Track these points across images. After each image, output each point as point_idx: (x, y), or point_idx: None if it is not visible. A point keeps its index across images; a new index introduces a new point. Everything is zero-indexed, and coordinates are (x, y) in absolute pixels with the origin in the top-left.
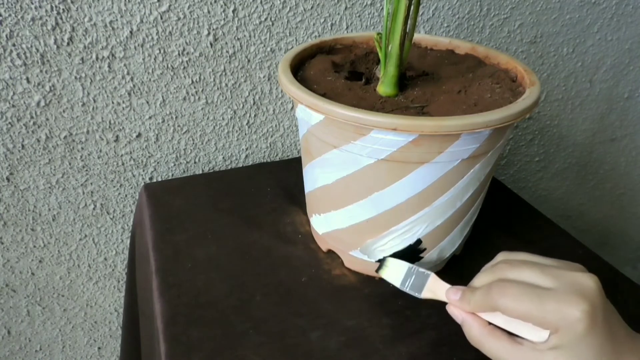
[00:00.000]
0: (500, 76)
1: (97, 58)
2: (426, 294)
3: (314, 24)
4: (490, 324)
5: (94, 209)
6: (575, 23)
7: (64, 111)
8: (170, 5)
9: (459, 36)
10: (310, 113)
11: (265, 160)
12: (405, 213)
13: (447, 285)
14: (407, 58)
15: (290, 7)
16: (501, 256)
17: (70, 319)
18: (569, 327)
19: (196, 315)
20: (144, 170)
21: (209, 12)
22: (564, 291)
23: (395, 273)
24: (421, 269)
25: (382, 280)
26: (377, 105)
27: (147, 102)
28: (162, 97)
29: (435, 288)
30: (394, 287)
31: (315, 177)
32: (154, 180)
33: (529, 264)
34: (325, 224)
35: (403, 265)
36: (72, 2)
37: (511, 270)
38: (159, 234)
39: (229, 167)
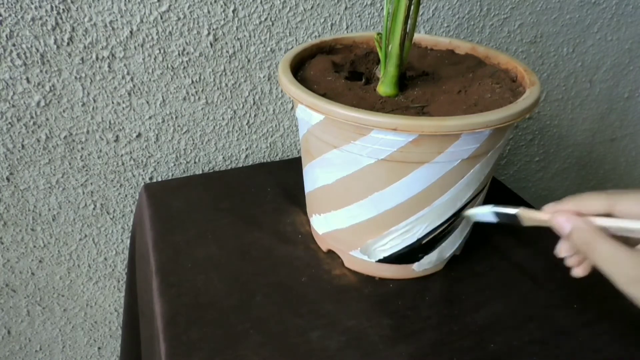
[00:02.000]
0: (500, 76)
1: (97, 58)
2: (526, 222)
3: (314, 24)
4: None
5: (94, 209)
6: (575, 23)
7: (64, 111)
8: (170, 5)
9: (459, 36)
10: (310, 113)
11: (265, 160)
12: (406, 213)
13: (544, 214)
14: (407, 58)
15: (290, 7)
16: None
17: (70, 319)
18: None
19: (196, 315)
20: (144, 170)
21: (209, 12)
22: None
23: (483, 217)
24: (505, 211)
25: (382, 280)
26: (377, 105)
27: (147, 102)
28: (162, 97)
29: (530, 214)
30: (394, 286)
31: (315, 177)
32: (154, 180)
33: None
34: (325, 224)
35: (487, 210)
36: (72, 2)
37: None
38: (159, 234)
39: (229, 167)
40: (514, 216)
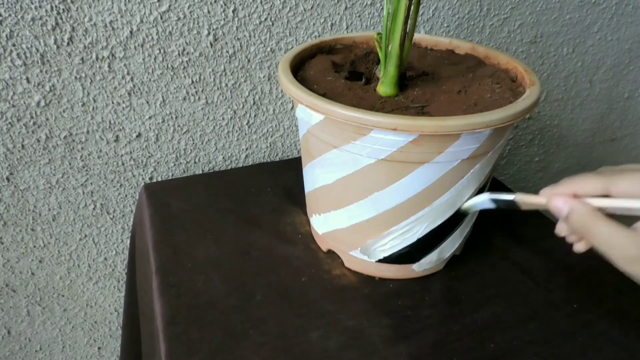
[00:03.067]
0: (500, 76)
1: (97, 58)
2: (524, 206)
3: (314, 24)
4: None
5: (94, 209)
6: (575, 23)
7: (64, 111)
8: (170, 5)
9: (459, 36)
10: (310, 113)
11: (265, 160)
12: (406, 213)
13: (541, 198)
14: (407, 58)
15: (290, 7)
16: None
17: (70, 319)
18: None
19: (196, 315)
20: (144, 170)
21: (209, 12)
22: None
23: (482, 205)
24: (502, 197)
25: (382, 280)
26: (377, 105)
27: (147, 102)
28: (162, 97)
29: (527, 199)
30: (394, 286)
31: (315, 177)
32: (154, 180)
33: None
34: (325, 224)
35: (484, 198)
36: (72, 2)
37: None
38: (159, 234)
39: (229, 167)
40: (511, 202)
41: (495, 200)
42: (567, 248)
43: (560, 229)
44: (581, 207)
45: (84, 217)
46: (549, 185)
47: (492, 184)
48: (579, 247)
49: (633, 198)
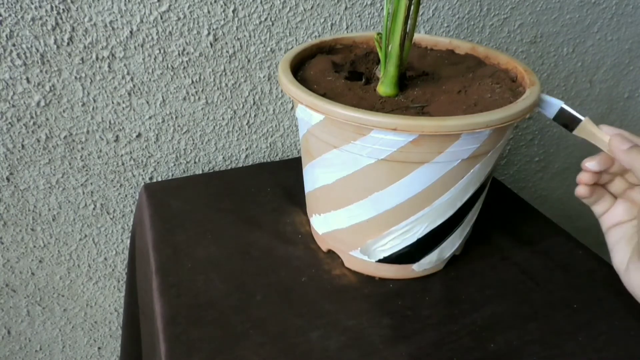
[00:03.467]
0: (500, 76)
1: (97, 58)
2: (581, 133)
3: (314, 24)
4: None
5: (94, 209)
6: (575, 23)
7: (64, 111)
8: (170, 5)
9: (459, 36)
10: (310, 113)
11: (265, 160)
12: (405, 213)
13: (603, 132)
14: (407, 58)
15: (290, 7)
16: None
17: (70, 319)
18: None
19: (196, 315)
20: (144, 170)
21: (209, 12)
22: None
23: (549, 108)
24: (572, 113)
25: (382, 280)
26: (377, 105)
27: (147, 102)
28: (162, 97)
29: (591, 129)
30: (394, 286)
31: (315, 177)
32: (154, 180)
33: None
34: (325, 224)
35: (556, 103)
36: (72, 2)
37: None
38: (159, 234)
39: (229, 167)
40: (577, 121)
41: (563, 111)
42: (567, 248)
43: (594, 161)
44: None
45: (84, 217)
46: (550, 182)
47: (492, 184)
48: (582, 191)
49: None
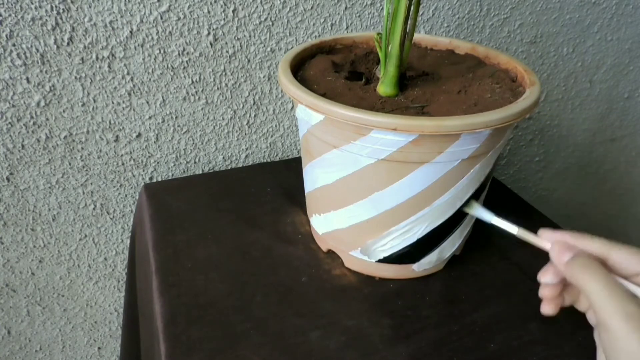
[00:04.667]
0: (500, 76)
1: (97, 58)
2: (521, 238)
3: (314, 24)
4: None
5: (94, 209)
6: (575, 23)
7: (64, 111)
8: (170, 5)
9: (459, 36)
10: (310, 113)
11: (265, 160)
12: (405, 213)
13: (546, 241)
14: (407, 58)
15: (290, 7)
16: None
17: (70, 319)
18: None
19: (196, 315)
20: (144, 170)
21: (209, 12)
22: None
23: (483, 217)
24: (504, 227)
25: (382, 280)
26: (377, 105)
27: (147, 102)
28: (162, 97)
29: (528, 238)
30: (394, 286)
31: (315, 177)
32: (154, 180)
33: None
34: (325, 224)
35: (487, 219)
36: (72, 2)
37: None
38: (159, 234)
39: (229, 167)
40: (511, 234)
41: (494, 226)
42: None
43: (548, 275)
44: (586, 256)
45: (84, 217)
46: (550, 182)
47: (492, 184)
48: (547, 310)
49: (629, 272)
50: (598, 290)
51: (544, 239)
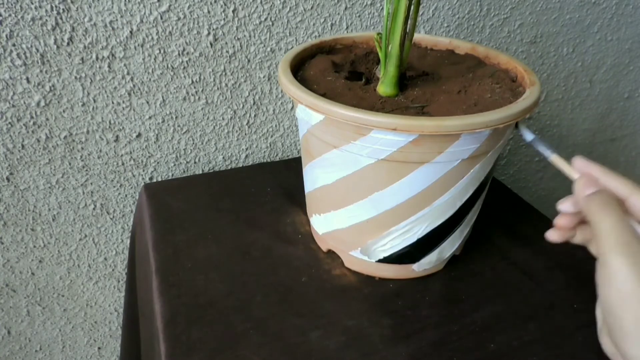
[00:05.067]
0: (500, 76)
1: (97, 58)
2: (554, 164)
3: (314, 24)
4: None
5: (94, 209)
6: (575, 23)
7: (64, 111)
8: (170, 5)
9: (459, 36)
10: (310, 113)
11: (265, 160)
12: (405, 213)
13: (573, 168)
14: (407, 58)
15: (290, 7)
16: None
17: (70, 319)
18: None
19: (196, 315)
20: (144, 170)
21: (209, 12)
22: None
23: (524, 134)
24: (542, 150)
25: (382, 280)
26: (377, 105)
27: (147, 102)
28: (162, 97)
29: (561, 165)
30: (394, 286)
31: (315, 177)
32: (154, 180)
33: None
34: (325, 224)
35: (530, 136)
36: (72, 2)
37: None
38: (159, 234)
39: (229, 167)
40: (546, 157)
41: (537, 141)
42: (567, 248)
43: (567, 202)
44: (608, 194)
45: (84, 217)
46: (550, 182)
47: (492, 184)
48: (554, 235)
49: None
50: (607, 224)
51: (575, 168)
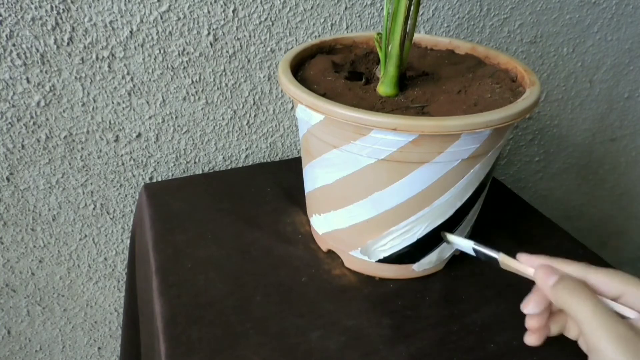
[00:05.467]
0: (500, 76)
1: (97, 58)
2: (504, 267)
3: (314, 24)
4: None
5: (94, 209)
6: (575, 23)
7: (64, 111)
8: (170, 5)
9: (459, 36)
10: (310, 113)
11: (265, 160)
12: (405, 213)
13: (527, 266)
14: (407, 58)
15: (290, 7)
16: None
17: (70, 319)
18: None
19: (196, 315)
20: (144, 170)
21: (209, 12)
22: None
23: (463, 249)
24: (485, 251)
25: (382, 280)
26: (377, 105)
27: (147, 102)
28: (162, 97)
29: (509, 262)
30: (394, 286)
31: (315, 177)
32: (154, 180)
33: None
34: (325, 224)
35: (467, 245)
36: (72, 2)
37: None
38: (159, 234)
39: (229, 167)
40: (494, 259)
41: (477, 251)
42: (567, 248)
43: (528, 303)
44: (572, 279)
45: (84, 217)
46: (550, 182)
47: (492, 184)
48: (531, 340)
49: (607, 293)
50: (587, 313)
51: (525, 264)
